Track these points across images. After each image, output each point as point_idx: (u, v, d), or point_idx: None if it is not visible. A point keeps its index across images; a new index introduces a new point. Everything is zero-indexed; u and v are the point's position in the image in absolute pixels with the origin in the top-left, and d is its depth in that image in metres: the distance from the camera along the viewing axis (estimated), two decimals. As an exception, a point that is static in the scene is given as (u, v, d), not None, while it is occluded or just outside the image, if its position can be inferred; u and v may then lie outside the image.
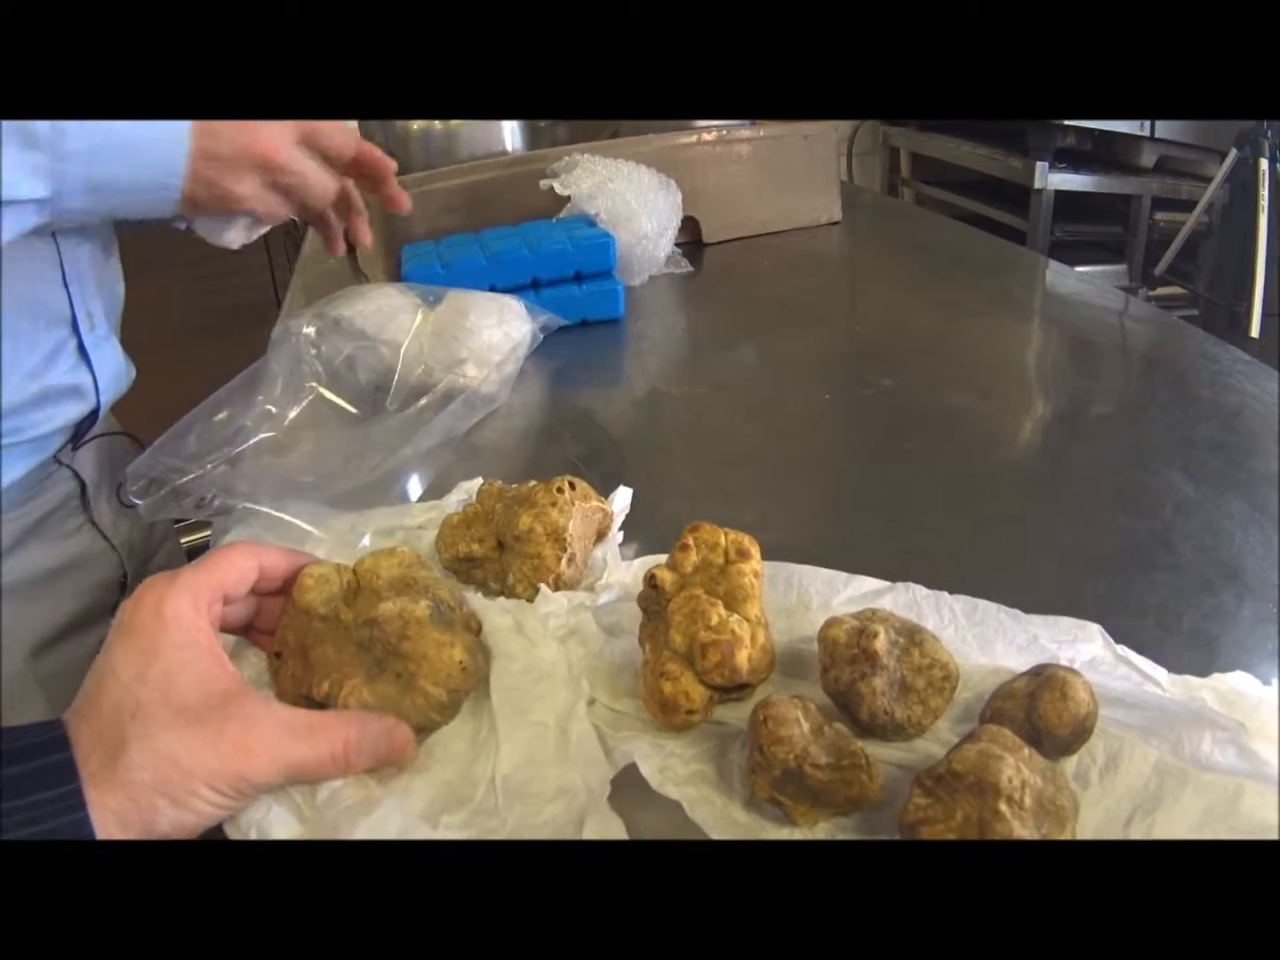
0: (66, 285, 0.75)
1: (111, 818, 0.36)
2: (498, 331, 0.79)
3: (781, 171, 1.26)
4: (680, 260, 1.13)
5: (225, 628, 0.47)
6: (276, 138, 0.63)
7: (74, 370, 0.76)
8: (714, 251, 1.22)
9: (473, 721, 0.45)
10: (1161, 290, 2.28)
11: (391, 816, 0.39)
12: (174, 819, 0.37)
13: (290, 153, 0.64)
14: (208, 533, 0.81)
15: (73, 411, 0.76)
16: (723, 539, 0.45)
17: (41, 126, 0.53)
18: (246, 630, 0.49)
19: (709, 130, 1.22)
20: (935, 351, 0.88)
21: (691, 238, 1.22)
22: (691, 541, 0.45)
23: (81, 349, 0.76)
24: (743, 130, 1.24)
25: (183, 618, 0.40)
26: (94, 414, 0.79)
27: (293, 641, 0.47)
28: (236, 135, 0.61)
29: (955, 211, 2.76)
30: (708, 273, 1.16)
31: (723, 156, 1.22)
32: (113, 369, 0.81)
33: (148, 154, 0.59)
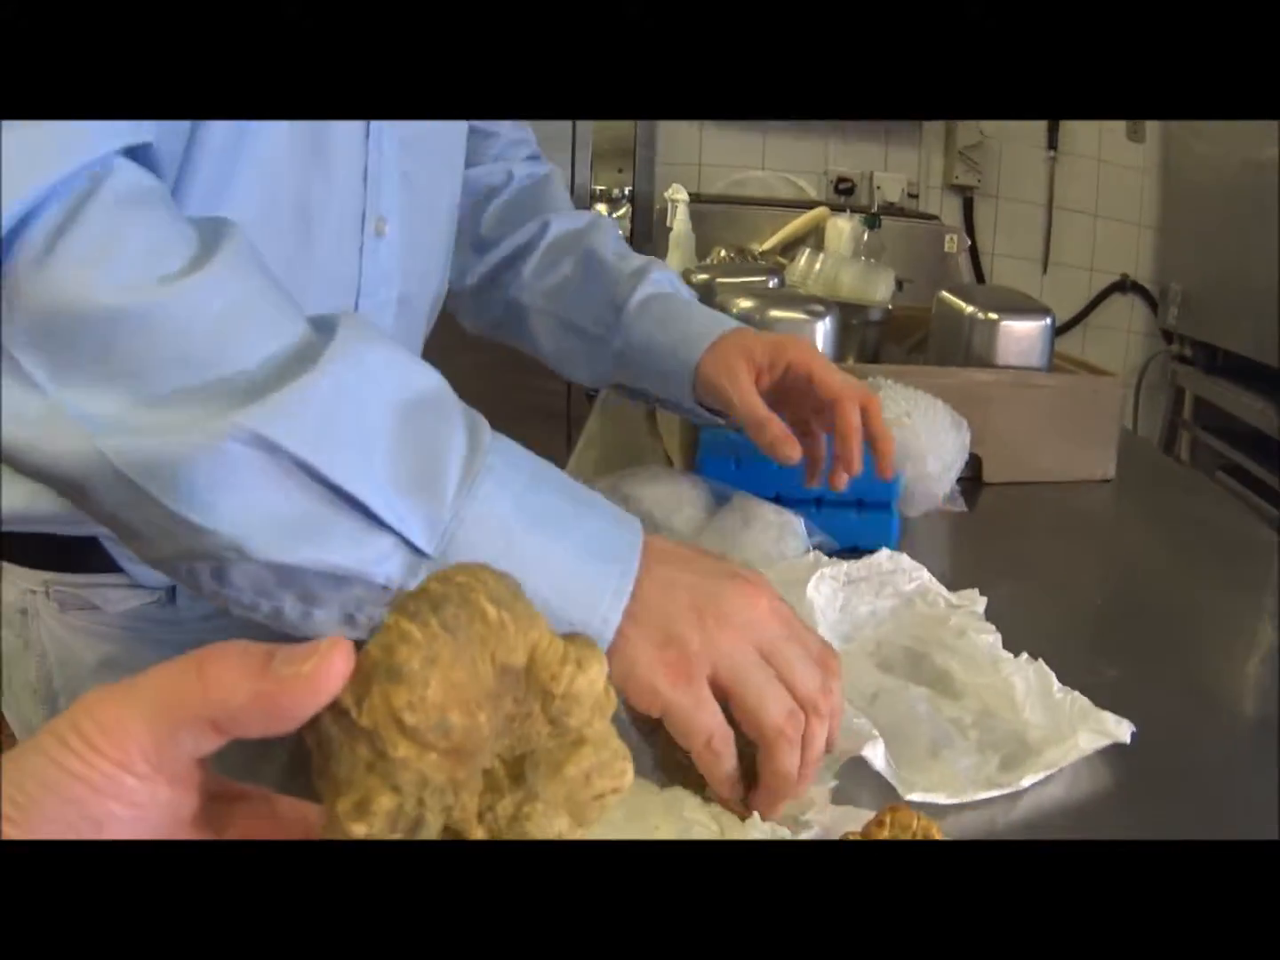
0: None
1: None
2: (775, 549, 0.85)
3: (1067, 421, 1.30)
4: (957, 498, 1.18)
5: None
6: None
7: None
8: (991, 492, 1.27)
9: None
10: None
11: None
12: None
13: None
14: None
15: None
16: (914, 823, 0.51)
17: None
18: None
19: (1008, 371, 1.29)
20: (1162, 644, 0.90)
21: (973, 473, 1.27)
22: (888, 820, 0.51)
23: None
24: (1039, 376, 1.30)
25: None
26: None
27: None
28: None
29: (1224, 463, 2.72)
30: (980, 514, 1.21)
31: (1016, 398, 1.27)
32: None
33: None
